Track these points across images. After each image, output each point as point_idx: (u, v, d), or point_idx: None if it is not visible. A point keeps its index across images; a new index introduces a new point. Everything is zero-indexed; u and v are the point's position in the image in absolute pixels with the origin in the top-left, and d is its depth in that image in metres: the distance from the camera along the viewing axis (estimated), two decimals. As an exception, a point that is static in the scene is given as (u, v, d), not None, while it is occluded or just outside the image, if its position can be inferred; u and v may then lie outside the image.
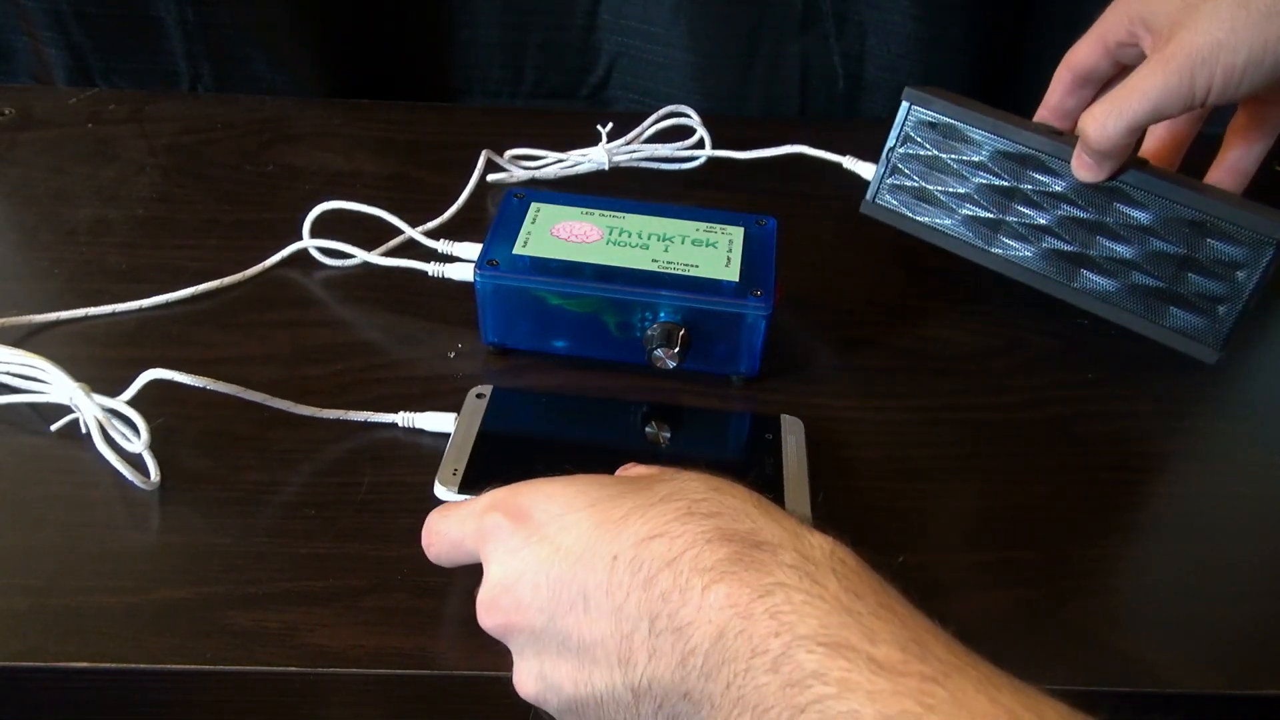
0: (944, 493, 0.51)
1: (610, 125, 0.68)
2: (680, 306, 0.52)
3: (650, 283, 0.52)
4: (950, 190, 0.57)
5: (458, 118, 0.76)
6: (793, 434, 0.51)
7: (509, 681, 0.41)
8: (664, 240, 0.54)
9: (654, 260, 0.53)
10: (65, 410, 0.49)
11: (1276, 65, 0.45)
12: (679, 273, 0.53)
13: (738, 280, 0.53)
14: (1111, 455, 0.53)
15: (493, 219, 0.56)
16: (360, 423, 0.51)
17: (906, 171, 0.58)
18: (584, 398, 0.54)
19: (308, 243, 0.60)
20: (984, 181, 0.56)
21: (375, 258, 0.59)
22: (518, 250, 0.54)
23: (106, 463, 0.48)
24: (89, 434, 0.48)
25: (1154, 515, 0.51)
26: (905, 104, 0.57)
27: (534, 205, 0.57)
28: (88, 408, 0.48)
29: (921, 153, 0.57)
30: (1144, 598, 0.46)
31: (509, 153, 0.69)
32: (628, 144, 0.69)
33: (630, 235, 0.55)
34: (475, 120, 0.76)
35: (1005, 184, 0.55)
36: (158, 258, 0.61)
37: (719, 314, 0.52)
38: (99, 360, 0.54)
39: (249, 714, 0.44)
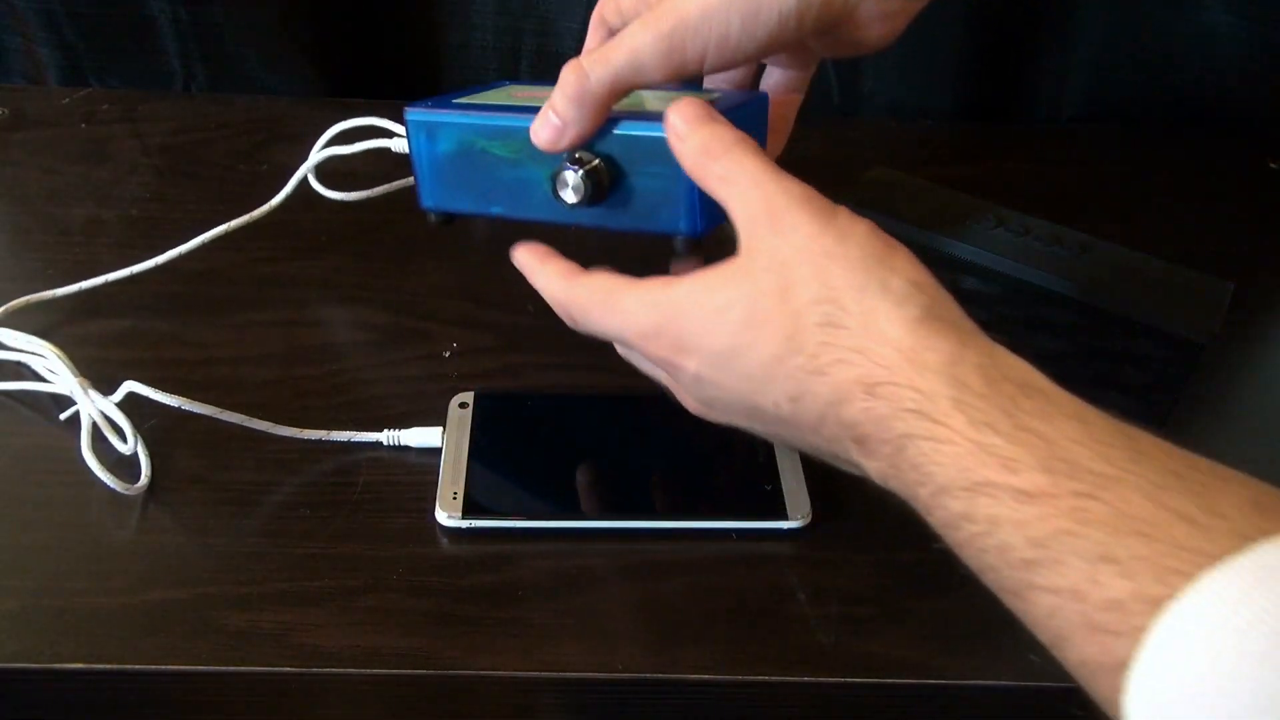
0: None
1: None
2: (603, 135, 0.43)
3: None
4: None
5: (452, 117, 0.76)
6: None
7: (505, 680, 0.41)
8: (626, 100, 0.45)
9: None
10: (67, 402, 0.49)
11: (771, 35, 0.41)
12: (622, 110, 0.44)
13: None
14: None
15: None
16: (344, 443, 0.50)
17: None
18: (569, 395, 0.54)
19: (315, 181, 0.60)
20: None
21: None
22: (460, 101, 0.49)
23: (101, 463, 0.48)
24: (83, 432, 0.48)
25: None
26: None
27: (522, 85, 0.52)
28: (85, 404, 0.48)
29: None
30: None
31: None
32: None
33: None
34: (470, 120, 0.76)
35: (942, 285, 0.55)
36: (152, 259, 0.61)
37: (643, 140, 0.43)
38: (93, 361, 0.54)
39: (244, 715, 0.43)
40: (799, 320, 0.35)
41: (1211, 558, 0.24)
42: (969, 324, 0.35)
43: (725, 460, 0.50)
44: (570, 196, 0.43)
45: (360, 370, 0.55)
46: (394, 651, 0.42)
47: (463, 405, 0.51)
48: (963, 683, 0.43)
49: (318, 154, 0.60)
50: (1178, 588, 0.24)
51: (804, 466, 0.49)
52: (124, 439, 0.48)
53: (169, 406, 0.47)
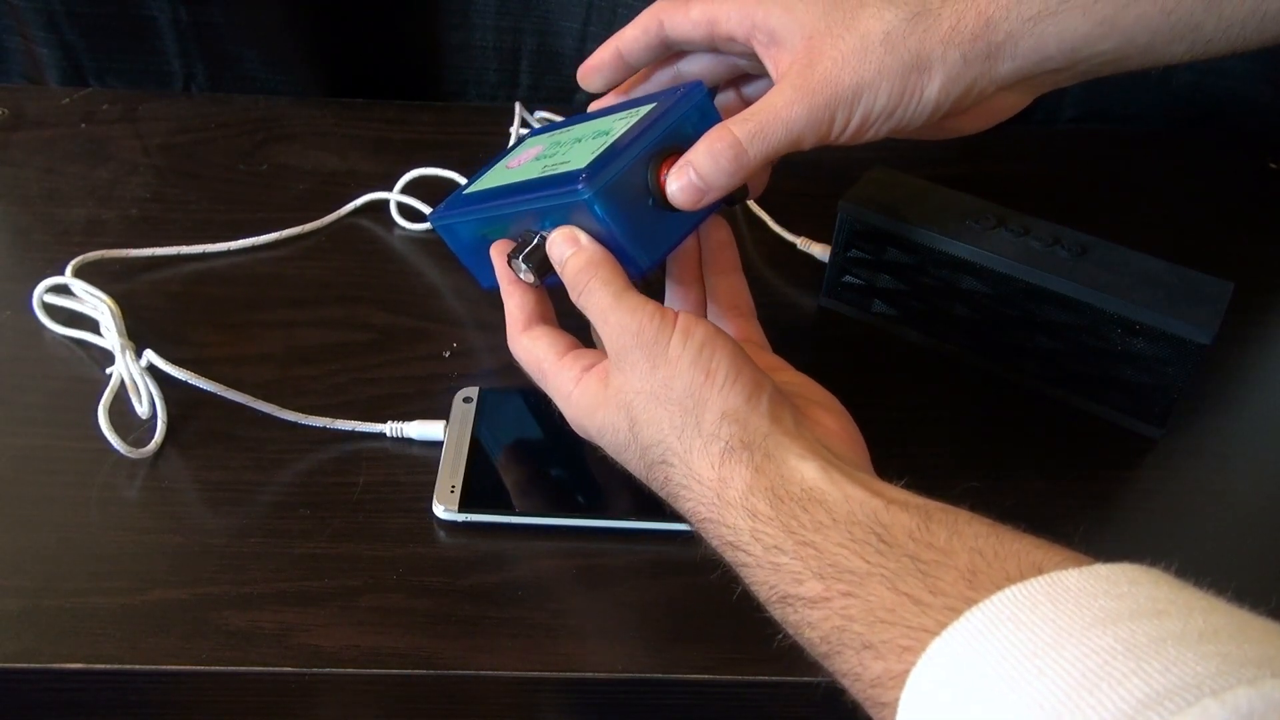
0: (940, 490, 0.50)
1: None
2: (526, 212, 0.45)
3: (509, 193, 0.47)
4: (896, 288, 0.58)
5: (452, 117, 0.76)
6: None
7: (505, 681, 0.41)
8: (577, 142, 0.47)
9: (544, 167, 0.47)
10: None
11: (904, 118, 0.43)
12: (543, 175, 0.46)
13: (583, 168, 0.43)
14: (1106, 452, 0.53)
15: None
16: (348, 432, 0.51)
17: (854, 272, 0.58)
18: None
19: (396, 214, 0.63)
20: (924, 282, 0.56)
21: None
22: (470, 189, 0.52)
23: (100, 463, 0.48)
24: (101, 399, 0.49)
25: (1148, 511, 0.51)
26: (840, 215, 0.57)
27: (530, 139, 0.55)
28: (120, 365, 0.50)
29: (865, 257, 0.58)
30: (1139, 595, 0.46)
31: (538, 113, 0.73)
32: None
33: (561, 145, 0.49)
34: (470, 119, 0.76)
35: (942, 285, 0.56)
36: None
37: (553, 209, 0.44)
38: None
39: (245, 714, 0.43)
40: (646, 455, 0.40)
41: (931, 633, 0.29)
42: (773, 438, 0.38)
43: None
44: (529, 278, 0.45)
45: (360, 370, 0.55)
46: (394, 651, 0.42)
47: (467, 400, 0.52)
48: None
49: (398, 195, 0.65)
50: (911, 663, 0.29)
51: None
52: (139, 405, 0.50)
53: (168, 407, 0.47)
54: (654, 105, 0.45)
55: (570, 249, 0.43)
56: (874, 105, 0.42)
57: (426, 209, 0.63)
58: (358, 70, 0.79)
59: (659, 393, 0.39)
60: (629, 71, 0.49)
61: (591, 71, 0.49)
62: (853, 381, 0.56)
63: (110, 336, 0.52)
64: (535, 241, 0.45)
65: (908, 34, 0.41)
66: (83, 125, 0.72)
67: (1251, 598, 0.47)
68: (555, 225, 0.44)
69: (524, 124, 0.72)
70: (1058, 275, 0.52)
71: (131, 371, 0.50)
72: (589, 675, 0.42)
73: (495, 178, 0.51)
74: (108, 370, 0.52)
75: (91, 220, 0.64)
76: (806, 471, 0.36)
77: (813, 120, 0.42)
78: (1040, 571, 0.29)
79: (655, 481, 0.40)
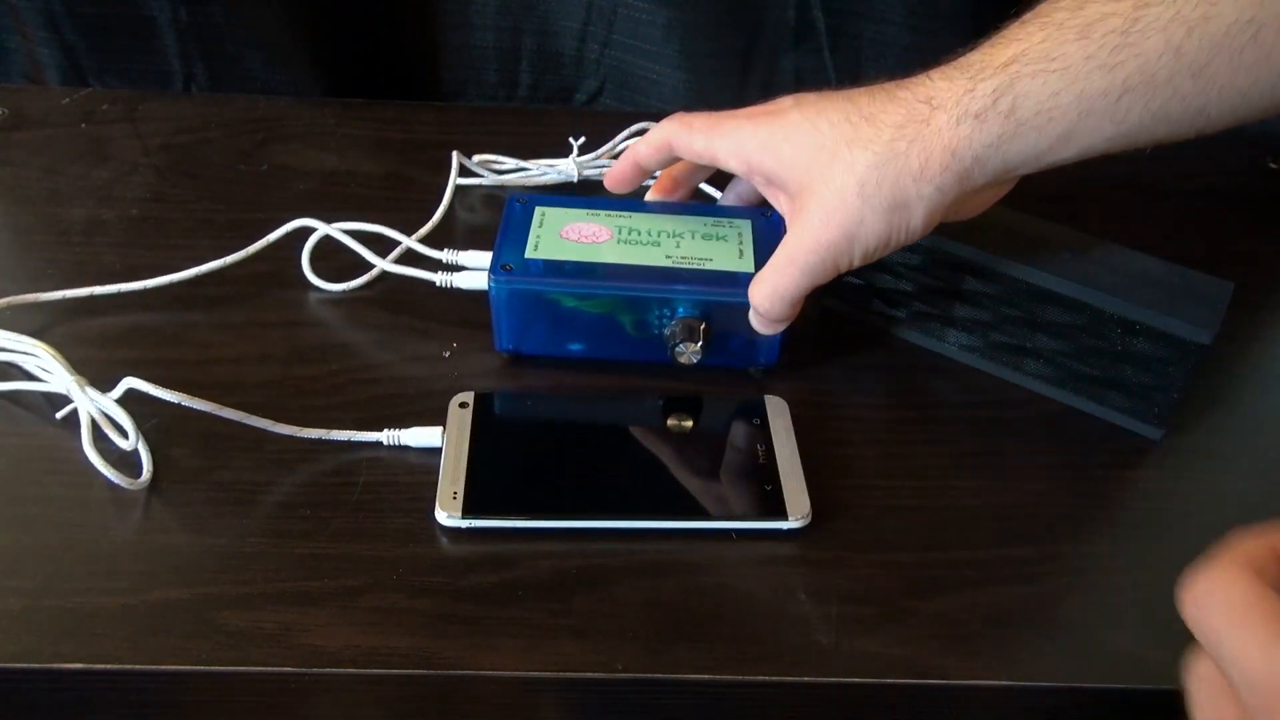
0: (940, 490, 0.51)
1: (583, 139, 0.68)
2: (699, 301, 0.52)
3: (666, 279, 0.52)
4: (896, 288, 0.57)
5: (452, 117, 0.76)
6: (779, 415, 0.52)
7: (505, 681, 0.41)
8: (674, 236, 0.55)
9: (668, 256, 0.53)
10: (62, 401, 0.49)
11: (899, 243, 0.48)
12: (694, 267, 0.53)
13: (753, 271, 0.52)
14: (1106, 452, 0.53)
15: (498, 226, 0.55)
16: (343, 443, 0.50)
17: (854, 272, 0.58)
18: (570, 394, 0.54)
19: (309, 271, 0.59)
20: (924, 282, 0.56)
21: (387, 265, 0.59)
22: (529, 254, 0.53)
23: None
24: (83, 429, 0.48)
25: (1149, 511, 0.51)
26: None
27: (538, 209, 0.56)
28: (83, 402, 0.48)
29: None
30: (1140, 594, 0.46)
31: (476, 157, 0.68)
32: (597, 158, 0.69)
33: (640, 233, 0.55)
34: (470, 120, 0.76)
35: (944, 285, 0.56)
36: (152, 258, 0.61)
37: (737, 306, 0.52)
38: (94, 362, 0.54)
39: (245, 715, 0.43)
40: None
41: None
42: None
43: (725, 460, 0.50)
44: (689, 360, 0.53)
45: (360, 370, 0.55)
46: (394, 651, 0.42)
47: (463, 405, 0.52)
48: (962, 683, 0.43)
49: (326, 229, 0.60)
50: None
51: (804, 467, 0.49)
52: (124, 436, 0.48)
53: (168, 406, 0.47)
54: (748, 219, 0.57)
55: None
56: (868, 245, 0.48)
57: (361, 249, 0.61)
58: (358, 70, 0.79)
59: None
60: (646, 176, 0.58)
61: (617, 184, 0.58)
62: (853, 382, 0.56)
63: (58, 377, 0.50)
64: (704, 327, 0.52)
65: (880, 180, 0.46)
66: (83, 125, 0.72)
67: (1251, 598, 0.47)
68: (696, 314, 0.52)
69: (463, 171, 0.68)
70: (1058, 275, 0.52)
71: (99, 405, 0.48)
72: (589, 675, 0.42)
73: (556, 249, 0.54)
74: (58, 415, 0.50)
75: (91, 220, 0.64)
76: None
77: (814, 271, 0.49)
78: None
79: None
